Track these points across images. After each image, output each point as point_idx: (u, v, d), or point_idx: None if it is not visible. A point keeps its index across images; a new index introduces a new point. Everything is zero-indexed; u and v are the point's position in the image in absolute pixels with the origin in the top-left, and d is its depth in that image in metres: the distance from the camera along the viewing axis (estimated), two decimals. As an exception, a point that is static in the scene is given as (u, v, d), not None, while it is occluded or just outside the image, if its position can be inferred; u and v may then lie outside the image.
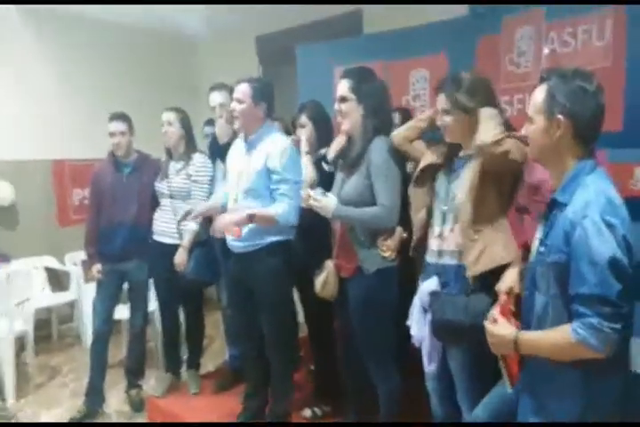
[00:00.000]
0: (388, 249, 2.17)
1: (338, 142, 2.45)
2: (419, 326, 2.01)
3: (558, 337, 1.35)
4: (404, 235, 2.21)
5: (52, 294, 4.38)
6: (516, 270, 1.76)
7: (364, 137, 2.18)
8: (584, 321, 1.30)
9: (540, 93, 1.46)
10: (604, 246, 1.29)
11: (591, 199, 1.35)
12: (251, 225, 2.39)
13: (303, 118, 2.69)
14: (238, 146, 2.60)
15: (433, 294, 1.93)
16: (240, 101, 2.42)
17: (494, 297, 1.77)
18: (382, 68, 2.97)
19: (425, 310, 1.98)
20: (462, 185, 1.91)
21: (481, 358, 1.85)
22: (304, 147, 2.63)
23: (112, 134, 3.06)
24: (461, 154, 1.98)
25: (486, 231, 1.86)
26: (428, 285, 1.96)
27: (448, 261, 1.95)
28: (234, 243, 2.50)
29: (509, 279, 1.77)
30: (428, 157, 2.06)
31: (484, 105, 1.86)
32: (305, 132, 2.67)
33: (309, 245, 2.58)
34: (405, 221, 2.19)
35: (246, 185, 2.43)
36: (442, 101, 1.91)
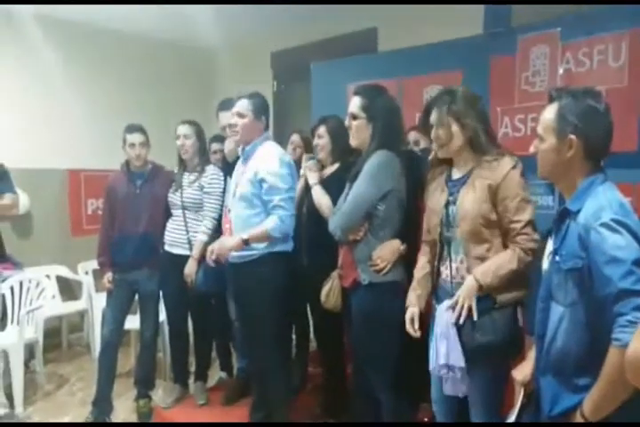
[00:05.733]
0: (382, 261, 2.16)
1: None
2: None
3: (609, 363, 1.27)
4: (402, 248, 2.19)
5: (62, 302, 4.41)
6: (532, 362, 1.62)
7: (367, 154, 2.19)
8: (621, 322, 1.25)
9: (550, 112, 1.47)
10: (622, 244, 1.29)
11: (603, 204, 1.36)
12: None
13: (322, 129, 2.77)
14: (240, 159, 2.67)
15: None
16: (242, 116, 2.49)
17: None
18: (396, 86, 3.01)
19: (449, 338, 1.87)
20: (462, 212, 1.84)
21: (501, 381, 1.83)
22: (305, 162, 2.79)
23: (132, 145, 3.09)
24: (455, 176, 1.94)
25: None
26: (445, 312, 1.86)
27: None
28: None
29: (528, 371, 1.64)
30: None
31: (479, 121, 1.85)
32: (321, 143, 2.76)
33: (316, 257, 2.60)
34: (407, 236, 2.20)
35: (240, 194, 2.48)
36: (435, 115, 1.90)
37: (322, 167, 2.80)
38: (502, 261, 1.79)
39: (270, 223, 2.38)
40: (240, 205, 2.47)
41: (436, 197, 1.97)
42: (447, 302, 1.86)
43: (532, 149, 1.53)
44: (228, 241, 2.44)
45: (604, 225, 1.32)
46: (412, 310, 2.02)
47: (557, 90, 1.51)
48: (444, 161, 1.99)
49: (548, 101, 1.51)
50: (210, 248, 2.50)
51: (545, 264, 1.57)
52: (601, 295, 1.31)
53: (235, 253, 2.48)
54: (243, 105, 2.50)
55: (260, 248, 2.45)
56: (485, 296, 1.80)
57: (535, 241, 1.78)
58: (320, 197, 2.60)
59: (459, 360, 1.80)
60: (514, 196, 1.78)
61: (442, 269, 1.97)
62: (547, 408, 1.46)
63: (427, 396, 2.12)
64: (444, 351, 1.82)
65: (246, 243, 2.39)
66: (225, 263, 2.56)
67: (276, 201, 2.40)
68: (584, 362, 1.39)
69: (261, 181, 2.41)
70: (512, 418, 1.60)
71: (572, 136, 1.42)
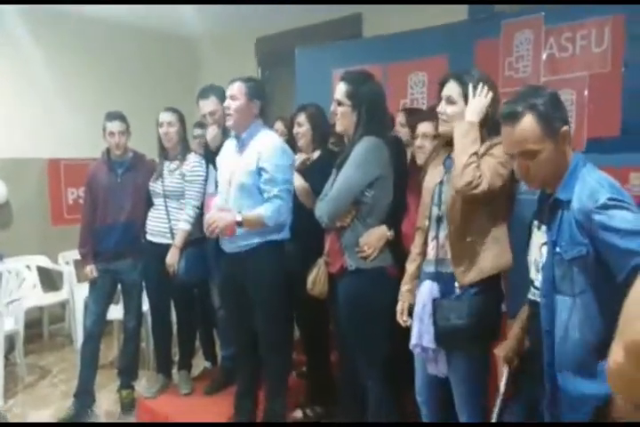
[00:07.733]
0: (369, 247, 2.16)
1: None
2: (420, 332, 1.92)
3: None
4: (389, 234, 2.18)
5: (43, 293, 4.35)
6: (515, 341, 1.64)
7: (354, 140, 2.18)
8: None
9: (529, 125, 1.41)
10: (629, 217, 1.29)
11: (595, 186, 1.36)
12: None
13: (302, 117, 2.74)
14: (229, 146, 2.61)
15: (434, 301, 1.86)
16: (234, 98, 2.44)
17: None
18: (381, 71, 2.98)
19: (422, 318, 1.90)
20: (450, 191, 1.84)
21: (482, 365, 1.84)
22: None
23: (111, 134, 3.04)
24: (453, 154, 1.91)
25: (477, 241, 1.81)
26: (427, 291, 1.89)
27: (448, 269, 1.87)
28: (226, 243, 2.50)
29: (509, 347, 1.66)
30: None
31: (493, 105, 1.81)
32: (301, 131, 2.74)
33: (303, 246, 2.58)
34: (394, 222, 2.20)
35: (238, 184, 2.43)
36: (450, 88, 1.86)
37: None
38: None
39: (267, 212, 2.34)
40: (239, 195, 2.42)
41: (431, 176, 1.97)
42: (427, 282, 1.88)
43: (521, 175, 1.50)
44: (222, 219, 2.36)
45: (604, 206, 1.32)
46: (402, 305, 2.05)
47: (517, 103, 1.44)
48: (447, 144, 1.95)
49: (515, 119, 1.42)
50: (208, 221, 2.40)
51: (532, 256, 1.55)
52: (625, 271, 1.27)
53: (232, 244, 2.45)
54: (235, 87, 2.45)
55: (257, 237, 2.42)
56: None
57: (485, 186, 1.70)
58: (300, 183, 2.58)
59: (430, 342, 1.85)
60: (495, 157, 1.74)
61: (428, 249, 1.96)
62: (577, 408, 1.41)
63: (412, 385, 2.11)
64: (416, 332, 1.88)
65: (239, 225, 2.34)
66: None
67: (275, 191, 2.36)
68: (604, 349, 1.37)
69: (261, 170, 2.37)
70: (498, 401, 1.59)
71: (565, 127, 1.41)
